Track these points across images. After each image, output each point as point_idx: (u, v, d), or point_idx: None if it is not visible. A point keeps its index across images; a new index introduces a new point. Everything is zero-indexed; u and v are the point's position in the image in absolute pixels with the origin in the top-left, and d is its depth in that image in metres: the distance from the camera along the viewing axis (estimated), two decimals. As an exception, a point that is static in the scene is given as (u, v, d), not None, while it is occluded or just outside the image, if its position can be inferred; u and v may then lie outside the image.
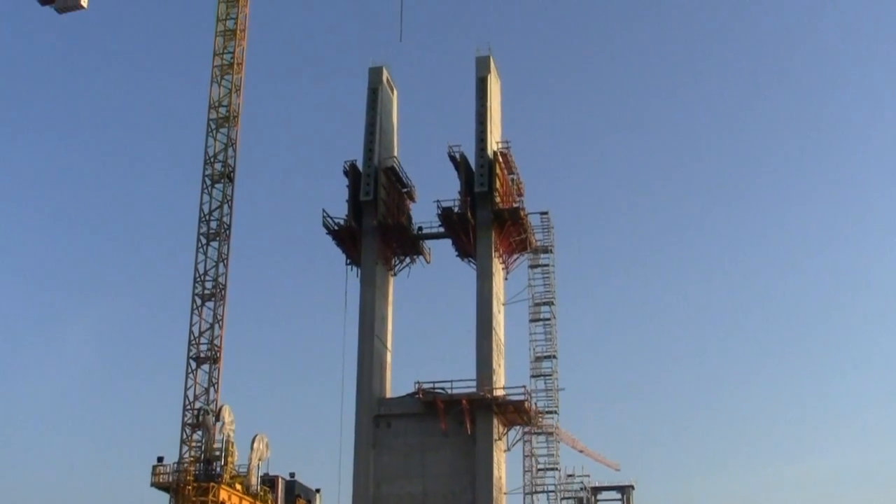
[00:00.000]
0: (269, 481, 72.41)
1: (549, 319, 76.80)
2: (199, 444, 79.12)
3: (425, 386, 75.05)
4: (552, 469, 75.03)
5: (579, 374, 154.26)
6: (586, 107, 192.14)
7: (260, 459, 70.75)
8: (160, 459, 68.25)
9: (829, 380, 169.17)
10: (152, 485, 68.67)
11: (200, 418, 66.52)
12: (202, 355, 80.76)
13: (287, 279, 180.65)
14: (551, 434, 74.98)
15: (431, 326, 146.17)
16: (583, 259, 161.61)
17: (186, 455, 78.49)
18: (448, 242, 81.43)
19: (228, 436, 67.52)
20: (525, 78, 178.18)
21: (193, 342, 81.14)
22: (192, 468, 65.45)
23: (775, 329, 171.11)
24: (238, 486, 67.55)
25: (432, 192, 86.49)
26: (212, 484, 64.75)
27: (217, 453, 66.88)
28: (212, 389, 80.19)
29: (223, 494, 65.63)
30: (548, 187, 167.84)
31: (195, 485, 64.71)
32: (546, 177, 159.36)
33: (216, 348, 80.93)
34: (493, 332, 75.44)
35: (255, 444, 70.42)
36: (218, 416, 67.33)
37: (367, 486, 74.24)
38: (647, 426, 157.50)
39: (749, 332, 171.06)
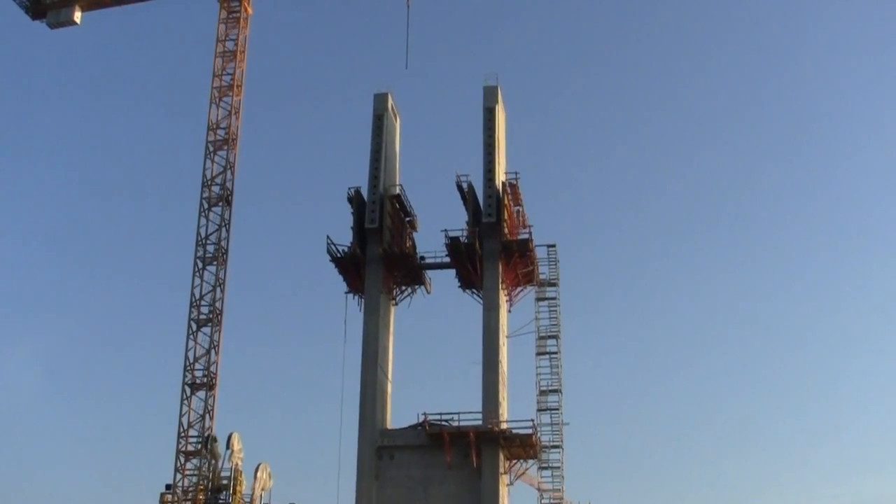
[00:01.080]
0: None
1: (555, 353, 76.20)
2: (193, 472, 77.42)
3: (431, 418, 74.00)
4: (557, 505, 74.25)
5: (579, 409, 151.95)
6: (591, 138, 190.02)
7: (263, 489, 69.07)
8: (168, 487, 66.31)
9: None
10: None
11: (209, 446, 64.50)
12: (197, 381, 79.20)
13: (286, 306, 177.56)
14: (558, 468, 74.23)
15: (431, 357, 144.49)
16: (585, 292, 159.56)
17: (181, 484, 76.78)
18: (448, 273, 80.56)
19: (237, 464, 65.65)
20: (528, 108, 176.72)
21: (189, 368, 79.62)
22: (201, 496, 63.27)
23: (782, 366, 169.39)
24: (246, 517, 65.88)
25: (432, 220, 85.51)
26: (223, 513, 62.81)
27: (225, 482, 64.94)
28: (207, 416, 78.72)
29: (233, 524, 63.81)
30: (550, 219, 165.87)
31: (205, 514, 62.67)
32: (548, 208, 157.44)
33: (212, 374, 79.38)
34: (499, 365, 74.80)
35: (259, 474, 68.83)
36: (228, 444, 65.32)
37: (368, 519, 72.74)
38: (637, 461, 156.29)
39: (758, 369, 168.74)
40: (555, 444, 74.41)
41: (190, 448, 78.25)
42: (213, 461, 65.58)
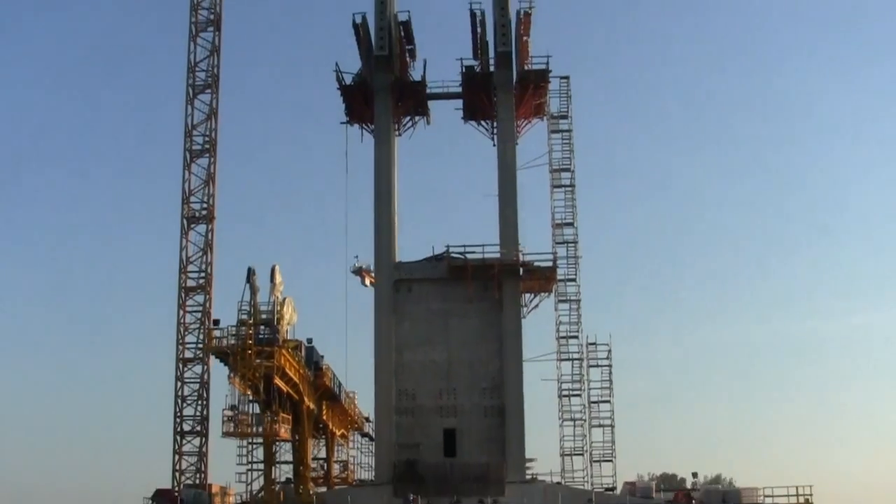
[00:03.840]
0: (295, 347, 68.45)
1: (569, 186, 75.15)
2: (196, 309, 74.56)
3: (453, 251, 72.67)
4: (573, 337, 74.12)
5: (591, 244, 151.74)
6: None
7: (289, 324, 66.71)
8: (216, 322, 63.43)
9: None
10: (208, 350, 64.30)
11: (249, 279, 61.59)
12: (196, 214, 75.90)
13: (283, 137, 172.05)
14: (576, 301, 73.95)
15: (433, 189, 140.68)
16: (596, 126, 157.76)
17: (183, 319, 74.00)
18: (449, 104, 78.68)
19: (277, 297, 62.99)
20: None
21: (185, 200, 76.20)
22: (251, 331, 60.65)
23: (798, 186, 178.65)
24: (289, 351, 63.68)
25: (429, 49, 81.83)
26: (275, 347, 60.46)
27: (266, 316, 62.32)
28: (207, 251, 75.73)
29: (281, 359, 61.61)
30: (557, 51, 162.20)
31: (256, 349, 60.16)
32: (554, 40, 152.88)
33: (210, 207, 76.19)
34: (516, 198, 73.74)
35: (284, 308, 66.25)
36: (272, 277, 62.46)
37: (388, 353, 71.55)
38: (649, 294, 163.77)
39: (758, 200, 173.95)
40: (570, 277, 74.07)
41: (190, 283, 75.39)
42: (253, 295, 62.40)
